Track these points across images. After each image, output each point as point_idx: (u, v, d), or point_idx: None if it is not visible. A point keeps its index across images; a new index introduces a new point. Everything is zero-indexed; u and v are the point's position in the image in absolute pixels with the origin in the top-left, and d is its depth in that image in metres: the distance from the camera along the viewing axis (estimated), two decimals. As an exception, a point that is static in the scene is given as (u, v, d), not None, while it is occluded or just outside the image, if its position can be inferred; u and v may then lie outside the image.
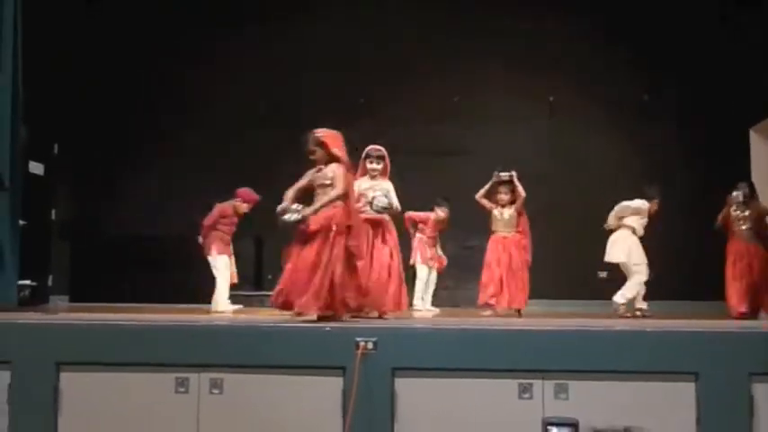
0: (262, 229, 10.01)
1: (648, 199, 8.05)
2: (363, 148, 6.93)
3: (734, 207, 7.66)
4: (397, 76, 10.73)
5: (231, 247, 8.07)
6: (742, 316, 7.33)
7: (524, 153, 10.49)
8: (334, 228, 5.68)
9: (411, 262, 8.59)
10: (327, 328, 5.36)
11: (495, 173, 8.06)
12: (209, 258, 7.85)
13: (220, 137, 10.70)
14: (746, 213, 7.60)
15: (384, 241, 6.67)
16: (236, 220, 8.09)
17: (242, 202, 8.07)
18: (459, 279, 9.52)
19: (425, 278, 8.62)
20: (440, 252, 8.81)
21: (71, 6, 10.23)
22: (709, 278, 7.94)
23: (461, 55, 10.78)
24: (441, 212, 8.68)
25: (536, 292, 8.24)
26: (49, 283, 9.57)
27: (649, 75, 10.66)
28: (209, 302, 7.87)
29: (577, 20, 10.66)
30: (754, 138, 9.80)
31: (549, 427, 2.91)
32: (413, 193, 9.06)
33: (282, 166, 10.49)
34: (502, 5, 10.82)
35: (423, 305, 8.54)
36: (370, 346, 5.06)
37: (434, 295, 8.86)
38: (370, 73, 10.80)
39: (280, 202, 5.82)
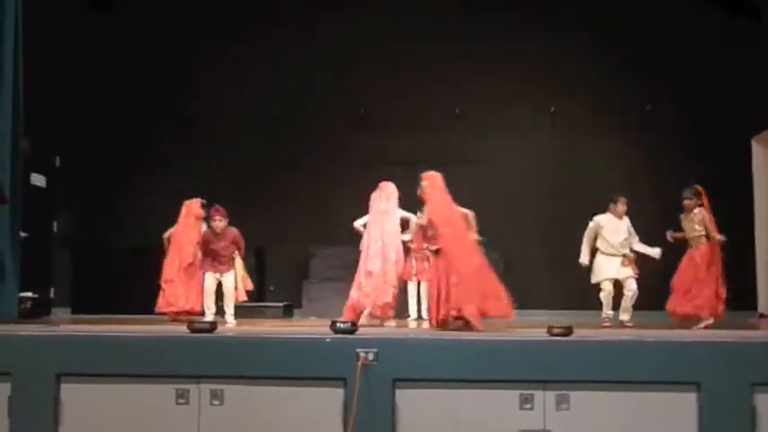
0: (263, 241, 10.06)
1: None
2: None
3: None
4: (399, 86, 10.75)
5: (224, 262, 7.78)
6: None
7: (526, 163, 10.52)
8: None
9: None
10: (328, 339, 5.35)
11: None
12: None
13: (221, 151, 10.74)
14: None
15: None
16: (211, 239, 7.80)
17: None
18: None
19: (414, 292, 8.68)
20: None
21: (73, 19, 10.24)
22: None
23: (464, 66, 10.79)
24: (416, 220, 8.72)
25: (540, 302, 8.15)
26: (51, 295, 9.53)
27: (652, 85, 10.65)
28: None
29: (580, 31, 10.66)
30: (755, 147, 9.74)
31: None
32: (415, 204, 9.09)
33: (281, 184, 10.63)
34: (504, 18, 10.83)
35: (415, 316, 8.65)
36: (370, 357, 5.05)
37: None
38: (372, 84, 10.81)
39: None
